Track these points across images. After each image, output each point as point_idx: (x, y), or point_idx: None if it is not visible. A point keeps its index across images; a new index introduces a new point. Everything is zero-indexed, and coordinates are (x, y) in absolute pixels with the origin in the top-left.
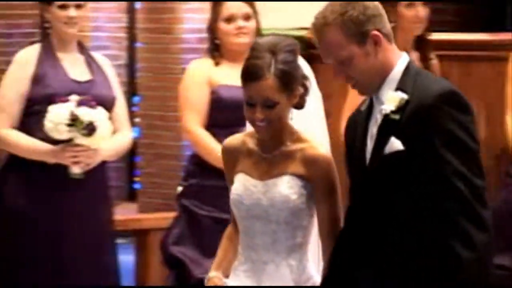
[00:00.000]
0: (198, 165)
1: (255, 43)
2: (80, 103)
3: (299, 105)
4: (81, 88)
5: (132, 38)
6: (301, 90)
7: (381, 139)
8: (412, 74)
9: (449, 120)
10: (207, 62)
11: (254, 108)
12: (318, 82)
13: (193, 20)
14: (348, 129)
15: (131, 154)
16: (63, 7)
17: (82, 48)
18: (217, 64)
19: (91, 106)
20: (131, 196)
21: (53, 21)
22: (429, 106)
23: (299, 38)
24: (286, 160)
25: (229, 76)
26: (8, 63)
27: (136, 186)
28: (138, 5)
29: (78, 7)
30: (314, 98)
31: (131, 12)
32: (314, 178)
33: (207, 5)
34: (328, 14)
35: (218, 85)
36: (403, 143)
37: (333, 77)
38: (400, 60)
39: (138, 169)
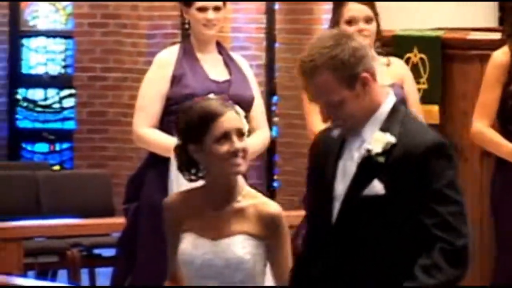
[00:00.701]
0: None
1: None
2: None
3: None
4: (219, 88)
5: (271, 39)
6: None
7: (361, 180)
8: (399, 117)
9: (438, 172)
10: None
11: (230, 141)
12: (454, 82)
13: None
14: (317, 150)
15: (269, 153)
16: (202, 9)
17: (221, 48)
18: None
19: None
20: (270, 194)
21: (192, 22)
22: (420, 156)
23: (434, 38)
24: (238, 218)
25: None
26: (149, 63)
27: (275, 184)
28: (277, 6)
29: (216, 9)
30: None
31: (270, 13)
32: (269, 235)
33: None
34: (317, 58)
35: None
36: (385, 187)
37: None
38: (387, 100)
39: (277, 167)
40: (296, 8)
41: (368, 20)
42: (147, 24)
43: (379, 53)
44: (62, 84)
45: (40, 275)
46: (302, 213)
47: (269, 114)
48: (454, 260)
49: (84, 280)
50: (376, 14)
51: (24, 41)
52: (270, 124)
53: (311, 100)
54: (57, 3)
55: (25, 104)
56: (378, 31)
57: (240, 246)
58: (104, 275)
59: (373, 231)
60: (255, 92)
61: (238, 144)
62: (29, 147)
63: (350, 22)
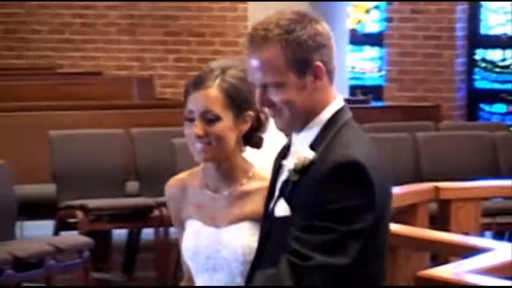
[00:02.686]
0: None
1: (209, 63)
2: None
3: (254, 143)
4: None
5: None
6: (251, 115)
7: (277, 198)
8: (336, 126)
9: (332, 195)
10: None
11: (193, 123)
12: None
13: None
14: (274, 165)
15: None
16: None
17: None
18: None
19: None
20: None
21: None
22: (323, 173)
23: None
24: (243, 202)
25: None
26: None
27: None
28: None
29: None
30: (275, 138)
31: None
32: None
33: None
34: (272, 28)
35: None
36: (292, 208)
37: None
38: (332, 104)
39: None
40: None
41: None
42: None
43: None
44: None
45: (497, 236)
46: None
47: None
48: (298, 277)
49: None
50: None
51: (483, 2)
52: None
53: (250, 79)
54: None
55: (483, 65)
56: None
57: (248, 234)
58: None
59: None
60: None
61: (197, 128)
62: (486, 108)
63: None
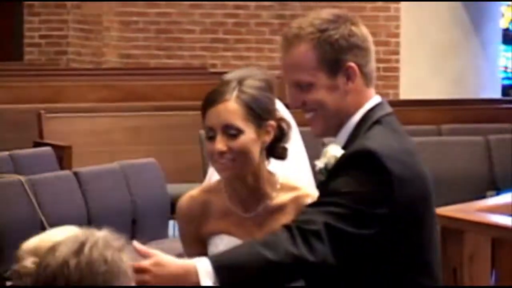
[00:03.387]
0: None
1: (224, 76)
2: None
3: (279, 154)
4: None
5: None
6: (273, 125)
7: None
8: (366, 125)
9: (349, 178)
10: None
11: (214, 140)
12: None
13: None
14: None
15: None
16: None
17: None
18: None
19: None
20: None
21: None
22: (341, 161)
23: None
24: (278, 216)
25: None
26: None
27: None
28: None
29: None
30: (296, 147)
31: None
32: None
33: None
34: (305, 26)
35: None
36: None
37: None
38: (365, 106)
39: None
40: None
41: None
42: None
43: None
44: None
45: None
46: None
47: None
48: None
49: None
50: None
51: None
52: None
53: (284, 80)
54: None
55: None
56: None
57: None
58: None
59: None
60: None
61: (220, 144)
62: None
63: None
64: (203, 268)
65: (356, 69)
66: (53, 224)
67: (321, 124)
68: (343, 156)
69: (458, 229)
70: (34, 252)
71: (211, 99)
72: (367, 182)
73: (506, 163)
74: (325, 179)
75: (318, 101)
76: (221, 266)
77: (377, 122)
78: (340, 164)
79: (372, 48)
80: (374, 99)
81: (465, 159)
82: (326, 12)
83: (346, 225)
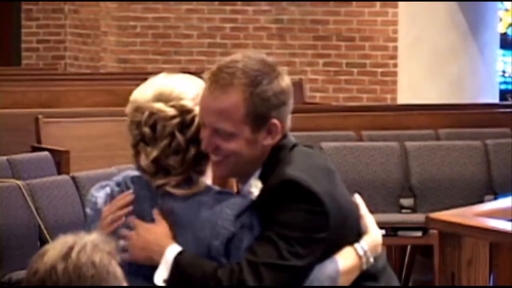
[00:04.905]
0: None
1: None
2: None
3: None
4: None
5: None
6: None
7: None
8: (282, 154)
9: (280, 208)
10: None
11: None
12: None
13: None
14: None
15: None
16: None
17: None
18: None
19: None
20: None
21: None
22: (267, 192)
23: None
24: None
25: None
26: None
27: None
28: None
29: None
30: None
31: None
32: None
33: None
34: (239, 74)
35: None
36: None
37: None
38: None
39: None
40: None
41: None
42: None
43: None
44: None
45: None
46: None
47: None
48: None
49: None
50: None
51: None
52: None
53: (200, 119)
54: None
55: None
56: None
57: None
58: None
59: None
60: None
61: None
62: None
63: None
64: (168, 256)
65: (279, 126)
66: (50, 229)
67: (229, 169)
68: (268, 187)
69: (456, 234)
70: None
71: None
72: (300, 211)
73: (504, 168)
74: (261, 210)
75: (234, 152)
76: (178, 264)
77: (291, 148)
78: (268, 197)
79: (292, 102)
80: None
81: (463, 164)
82: (258, 60)
83: (290, 259)
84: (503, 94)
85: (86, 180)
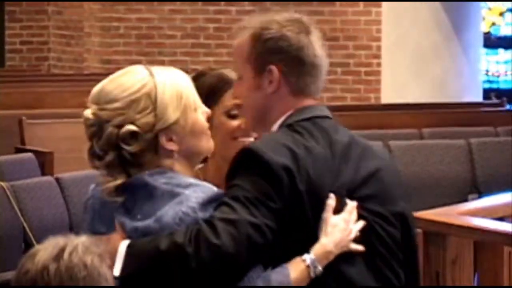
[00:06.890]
0: None
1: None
2: None
3: None
4: None
5: None
6: None
7: None
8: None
9: (234, 176)
10: None
11: (237, 118)
12: None
13: None
14: None
15: None
16: None
17: None
18: None
19: None
20: None
21: None
22: (230, 164)
23: None
24: None
25: None
26: None
27: None
28: None
29: None
30: None
31: None
32: None
33: None
34: (255, 19)
35: None
36: None
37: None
38: (285, 115)
39: None
40: None
41: None
42: None
43: None
44: None
45: None
46: None
47: None
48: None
49: None
50: None
51: None
52: None
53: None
54: None
55: None
56: None
57: None
58: None
59: None
60: None
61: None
62: None
63: None
64: (121, 248)
65: (277, 73)
66: (35, 230)
67: (248, 120)
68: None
69: (440, 233)
70: None
71: (229, 79)
72: (252, 176)
73: (488, 167)
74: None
75: (241, 95)
76: (132, 249)
77: (287, 126)
78: (229, 167)
79: (316, 62)
80: (301, 107)
81: (447, 163)
82: (287, 15)
83: (244, 215)
84: (487, 93)
85: (70, 182)
